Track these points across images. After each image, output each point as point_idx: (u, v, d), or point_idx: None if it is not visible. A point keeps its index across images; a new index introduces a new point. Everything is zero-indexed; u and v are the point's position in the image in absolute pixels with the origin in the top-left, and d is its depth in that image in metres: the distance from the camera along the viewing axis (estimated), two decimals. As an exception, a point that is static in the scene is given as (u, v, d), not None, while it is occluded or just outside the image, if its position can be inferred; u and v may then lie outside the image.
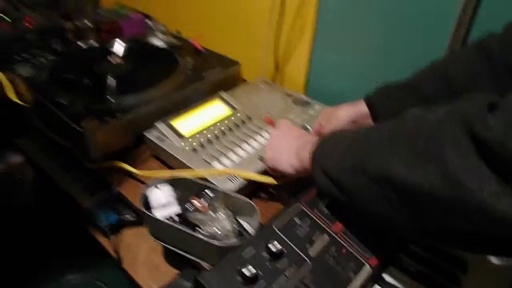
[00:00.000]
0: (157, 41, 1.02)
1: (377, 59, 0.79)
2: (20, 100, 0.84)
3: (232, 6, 0.97)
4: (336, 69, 0.87)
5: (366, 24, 0.77)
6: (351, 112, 0.63)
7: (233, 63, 0.94)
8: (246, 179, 0.63)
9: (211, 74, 0.88)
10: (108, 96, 0.76)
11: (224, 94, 0.82)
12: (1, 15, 0.98)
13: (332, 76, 0.88)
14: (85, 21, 1.06)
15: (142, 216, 0.61)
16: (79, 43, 1.07)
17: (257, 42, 0.95)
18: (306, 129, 0.77)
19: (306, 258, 0.47)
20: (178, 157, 0.66)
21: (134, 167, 0.70)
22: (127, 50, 0.94)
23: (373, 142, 0.42)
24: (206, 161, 0.66)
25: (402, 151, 0.37)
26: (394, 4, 0.71)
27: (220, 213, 0.54)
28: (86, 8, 1.29)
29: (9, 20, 0.96)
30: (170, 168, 0.71)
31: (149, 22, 1.05)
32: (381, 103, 0.60)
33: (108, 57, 0.90)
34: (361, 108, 0.62)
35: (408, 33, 0.72)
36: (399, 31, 0.73)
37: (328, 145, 0.50)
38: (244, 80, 0.99)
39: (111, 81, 0.82)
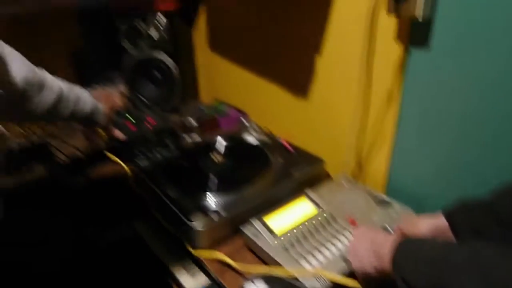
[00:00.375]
0: (251, 138, 1.17)
1: (457, 165, 0.83)
2: (139, 189, 1.02)
3: (321, 107, 1.09)
4: (416, 170, 0.92)
5: (448, 130, 0.82)
6: (431, 225, 0.68)
7: (318, 160, 1.05)
8: (331, 281, 0.70)
9: (298, 172, 0.99)
10: (212, 193, 0.90)
11: (310, 192, 0.91)
12: (128, 116, 1.21)
13: (412, 176, 0.94)
14: (190, 118, 1.27)
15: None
16: (185, 137, 1.27)
17: (340, 140, 1.05)
18: (386, 229, 0.83)
19: None
20: (271, 254, 0.76)
21: (230, 256, 0.80)
22: (226, 146, 1.11)
23: (451, 267, 0.48)
24: (295, 259, 0.75)
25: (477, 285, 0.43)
26: (478, 109, 0.75)
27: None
28: (190, 104, 1.52)
29: (133, 120, 1.18)
30: (262, 260, 0.80)
31: (244, 120, 1.21)
32: (461, 220, 0.65)
33: (211, 154, 1.06)
34: (441, 221, 0.67)
35: (490, 139, 0.75)
36: (481, 137, 0.76)
37: (408, 253, 0.57)
38: (328, 174, 1.08)
39: (214, 179, 0.97)
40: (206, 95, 1.64)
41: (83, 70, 1.48)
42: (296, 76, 1.13)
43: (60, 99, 0.90)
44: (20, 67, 0.78)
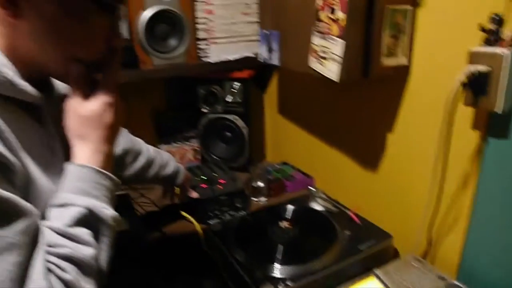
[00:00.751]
0: (318, 206, 1.19)
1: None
2: (209, 249, 1.07)
3: (392, 182, 1.10)
4: (492, 256, 0.89)
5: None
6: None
7: (386, 235, 1.04)
8: None
9: (366, 246, 0.99)
10: (279, 262, 0.93)
11: (380, 273, 0.90)
12: (203, 177, 1.29)
13: (488, 263, 0.90)
14: (259, 182, 1.32)
15: None
16: (254, 199, 1.32)
17: (411, 217, 1.04)
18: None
19: None
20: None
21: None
22: (294, 213, 1.14)
23: None
24: None
25: None
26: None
27: None
28: (258, 164, 1.58)
29: (207, 181, 1.26)
30: None
31: (311, 188, 1.24)
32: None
33: (279, 221, 1.10)
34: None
35: None
36: None
37: None
38: (395, 251, 1.06)
39: (281, 247, 1.00)
40: (273, 156, 1.71)
41: (163, 128, 1.62)
42: (366, 149, 1.16)
43: (149, 164, 1.00)
44: (121, 139, 0.89)
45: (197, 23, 1.37)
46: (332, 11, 0.86)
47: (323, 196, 1.22)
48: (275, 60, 1.17)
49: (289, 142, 1.56)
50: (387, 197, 1.12)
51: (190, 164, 1.65)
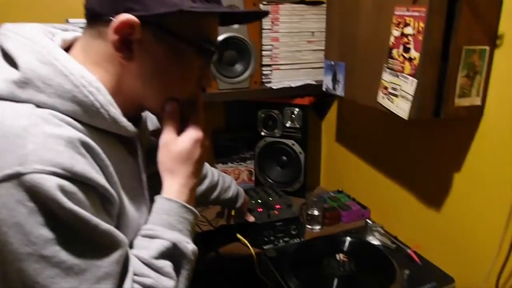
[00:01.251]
0: (374, 240, 1.17)
1: None
2: (262, 273, 1.08)
3: (457, 222, 1.06)
4: None
5: None
6: None
7: (447, 278, 0.99)
8: None
9: (426, 289, 0.96)
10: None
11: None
12: (259, 200, 1.31)
13: None
14: (314, 210, 1.32)
15: None
16: (308, 227, 1.32)
17: (477, 262, 1.00)
18: None
19: None
20: None
21: None
22: (350, 246, 1.12)
23: None
24: None
25: None
26: None
27: None
28: (313, 191, 1.58)
29: (263, 205, 1.28)
30: None
31: (369, 221, 1.22)
32: None
33: (335, 253, 1.09)
34: None
35: None
36: None
37: None
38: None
39: (336, 281, 0.99)
40: (327, 183, 1.70)
41: (220, 147, 1.67)
42: (430, 186, 1.12)
43: (212, 188, 1.04)
44: None
45: (262, 50, 1.41)
46: (406, 49, 0.86)
47: (381, 230, 1.19)
48: (339, 91, 1.18)
49: (345, 171, 1.55)
50: (450, 238, 1.07)
51: (244, 184, 1.69)
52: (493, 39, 0.87)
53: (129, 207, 0.62)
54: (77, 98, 0.54)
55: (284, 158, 1.58)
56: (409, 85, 0.86)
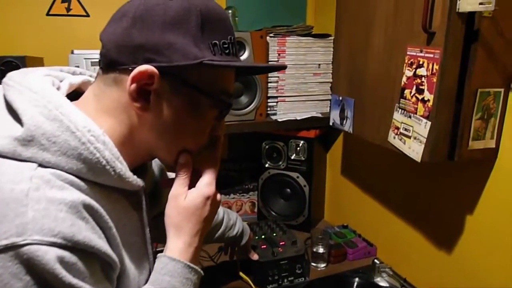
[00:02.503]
0: (383, 281, 1.12)
1: None
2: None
3: (469, 266, 1.01)
4: None
5: None
6: None
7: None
8: None
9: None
10: None
11: None
12: (263, 236, 1.27)
13: None
14: (320, 247, 1.28)
15: None
16: (313, 264, 1.28)
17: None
18: None
19: None
20: None
21: None
22: (358, 287, 1.08)
23: None
24: None
25: None
26: None
27: None
28: (317, 225, 1.54)
29: (267, 241, 1.24)
30: None
31: (377, 261, 1.18)
32: None
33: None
34: None
35: None
36: None
37: None
38: None
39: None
40: (331, 217, 1.66)
41: (222, 177, 1.63)
42: (441, 227, 1.09)
43: (216, 226, 1.00)
44: None
45: (268, 82, 1.40)
46: (419, 90, 0.84)
47: (389, 271, 1.15)
48: (347, 127, 1.16)
49: (350, 205, 1.51)
50: (462, 282, 1.03)
51: (246, 216, 1.65)
52: (508, 82, 0.85)
53: (130, 266, 0.59)
54: (82, 155, 0.51)
55: (288, 190, 1.55)
56: (422, 127, 0.84)
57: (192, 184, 0.64)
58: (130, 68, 0.53)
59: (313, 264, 1.28)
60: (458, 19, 0.77)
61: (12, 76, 0.54)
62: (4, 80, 0.54)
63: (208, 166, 0.65)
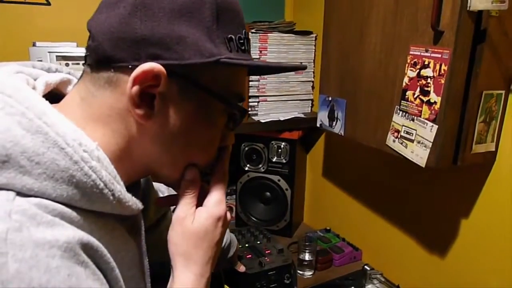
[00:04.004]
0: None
1: None
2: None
3: (463, 270, 1.00)
4: None
5: None
6: None
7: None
8: None
9: None
10: None
11: None
12: (247, 245, 1.20)
13: None
14: (307, 254, 1.22)
15: None
16: (299, 272, 1.22)
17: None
18: None
19: None
20: None
21: None
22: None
23: None
24: None
25: None
26: None
27: None
28: (299, 229, 1.49)
29: (251, 250, 1.17)
30: None
31: (367, 267, 1.14)
32: None
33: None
34: None
35: None
36: None
37: None
38: None
39: None
40: (311, 220, 1.61)
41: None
42: (433, 230, 1.06)
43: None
44: None
45: (250, 80, 1.32)
46: (424, 92, 0.80)
47: (380, 277, 1.11)
48: (338, 129, 1.11)
49: (332, 208, 1.47)
50: (456, 286, 1.01)
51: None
52: (508, 83, 0.84)
53: None
54: (75, 178, 0.40)
55: (268, 194, 1.48)
56: (428, 131, 0.80)
57: (198, 202, 0.54)
58: (130, 66, 0.43)
59: (299, 272, 1.23)
60: (468, 18, 0.73)
61: None
62: None
63: (216, 182, 0.55)
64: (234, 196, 1.54)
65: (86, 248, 0.40)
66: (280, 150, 1.41)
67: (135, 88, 0.43)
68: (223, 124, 0.53)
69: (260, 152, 1.43)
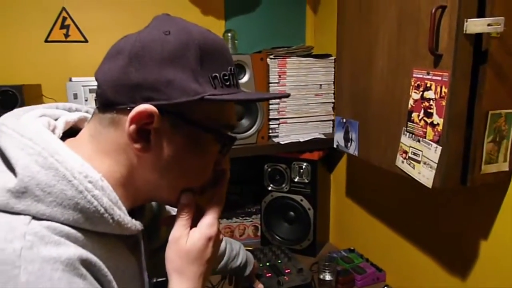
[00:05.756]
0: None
1: None
2: None
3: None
4: None
5: None
6: None
7: None
8: None
9: None
10: None
11: None
12: (267, 263, 1.22)
13: None
14: (327, 275, 1.23)
15: None
16: (320, 293, 1.23)
17: None
18: None
19: None
20: None
21: None
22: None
23: None
24: None
25: None
26: None
27: None
28: (322, 249, 1.49)
29: (272, 268, 1.19)
30: None
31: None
32: None
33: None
34: None
35: None
36: None
37: None
38: None
39: None
40: (337, 240, 1.61)
41: (225, 201, 1.59)
42: (454, 252, 1.04)
43: (218, 255, 0.96)
44: None
45: (270, 104, 1.37)
46: (428, 114, 0.81)
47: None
48: (353, 150, 1.13)
49: (356, 228, 1.47)
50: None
51: (249, 240, 1.60)
52: (518, 102, 0.83)
53: None
54: (79, 205, 0.48)
55: (292, 214, 1.50)
56: (432, 152, 0.81)
57: (194, 223, 0.60)
58: (128, 108, 0.50)
59: (320, 290, 1.23)
60: (465, 41, 0.74)
61: (5, 121, 0.51)
62: None
63: (212, 205, 0.61)
64: (259, 216, 1.58)
65: (85, 263, 0.47)
66: (301, 171, 1.44)
67: (132, 126, 0.50)
68: (217, 151, 0.59)
69: (282, 172, 1.47)
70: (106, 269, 0.50)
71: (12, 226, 0.44)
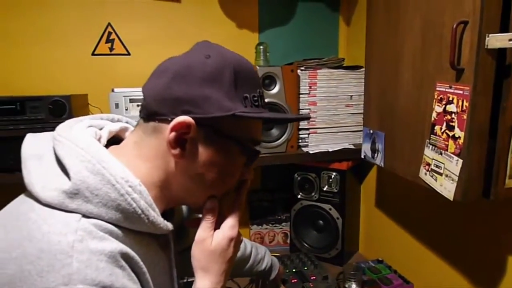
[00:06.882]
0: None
1: None
2: None
3: None
4: None
5: None
6: None
7: None
8: None
9: None
10: None
11: None
12: (294, 269, 1.25)
13: None
14: (353, 284, 1.24)
15: None
16: (345, 302, 1.24)
17: None
18: None
19: None
20: None
21: None
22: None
23: None
24: None
25: None
26: None
27: None
28: (351, 265, 1.50)
29: (297, 274, 1.22)
30: None
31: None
32: None
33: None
34: None
35: None
36: None
37: None
38: None
39: None
40: (366, 250, 1.61)
41: (255, 208, 1.64)
42: (482, 268, 1.03)
43: (244, 260, 1.01)
44: None
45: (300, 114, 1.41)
46: (450, 127, 0.82)
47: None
48: (379, 161, 1.14)
49: (385, 239, 1.47)
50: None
51: (279, 247, 1.64)
52: (545, 117, 0.82)
53: None
54: (121, 206, 0.55)
55: (321, 222, 1.53)
56: (454, 165, 0.82)
57: (217, 225, 0.67)
58: (169, 119, 0.58)
59: (345, 300, 1.25)
60: (487, 56, 0.75)
61: (60, 131, 0.60)
62: (54, 134, 0.60)
63: (233, 209, 0.68)
64: (288, 223, 1.61)
65: (125, 256, 0.55)
66: (330, 180, 1.46)
67: (172, 134, 0.58)
68: (242, 162, 0.66)
69: (312, 181, 1.50)
70: (141, 263, 0.57)
71: (67, 222, 0.52)
